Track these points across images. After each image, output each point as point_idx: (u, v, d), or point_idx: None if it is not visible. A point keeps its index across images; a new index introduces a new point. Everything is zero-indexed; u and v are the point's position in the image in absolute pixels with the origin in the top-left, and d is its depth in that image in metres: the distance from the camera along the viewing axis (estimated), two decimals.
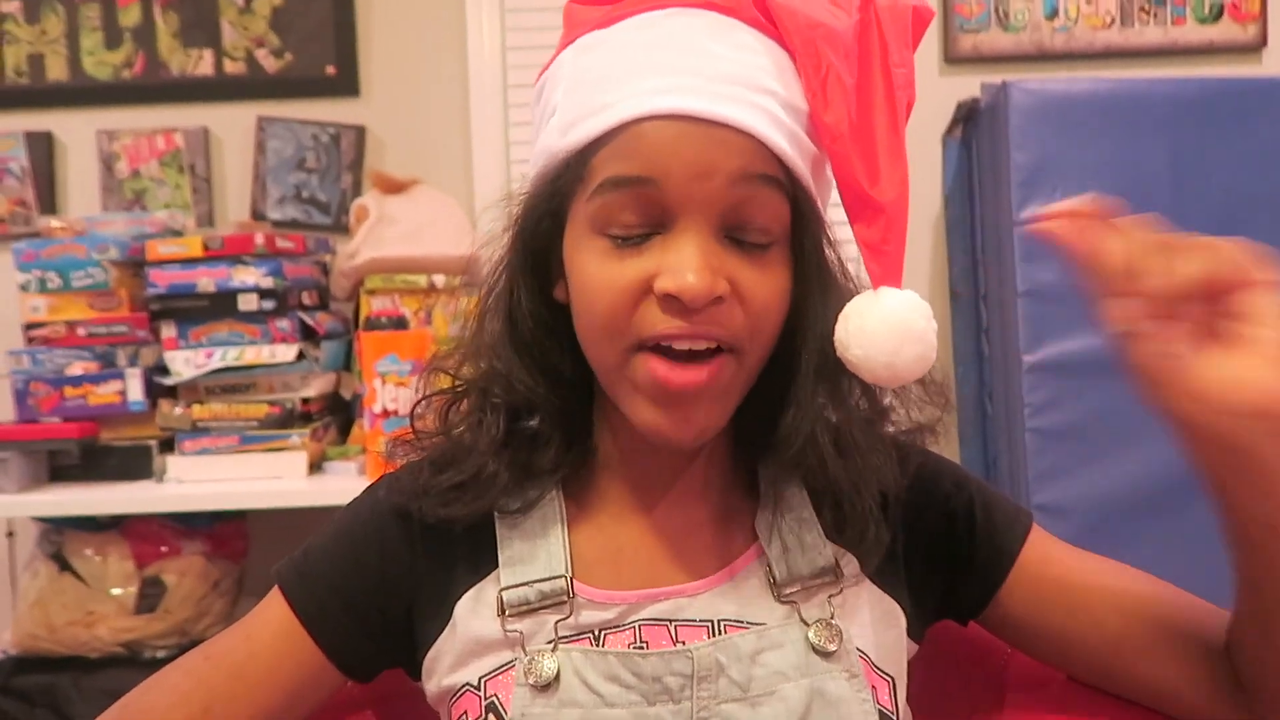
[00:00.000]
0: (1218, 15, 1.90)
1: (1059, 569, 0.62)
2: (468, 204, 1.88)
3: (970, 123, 1.89)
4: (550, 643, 0.56)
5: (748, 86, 0.52)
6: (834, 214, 0.57)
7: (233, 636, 0.61)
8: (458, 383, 0.62)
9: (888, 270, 0.54)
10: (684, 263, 0.51)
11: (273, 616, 0.60)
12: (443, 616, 0.59)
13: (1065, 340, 1.69)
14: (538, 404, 0.59)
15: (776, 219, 0.54)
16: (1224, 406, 0.45)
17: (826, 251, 0.57)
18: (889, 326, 0.52)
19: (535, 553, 0.58)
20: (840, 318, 0.54)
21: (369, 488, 0.64)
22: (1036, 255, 1.72)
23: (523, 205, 0.58)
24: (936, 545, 0.62)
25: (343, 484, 1.55)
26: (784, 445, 0.56)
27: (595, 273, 0.53)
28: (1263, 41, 1.90)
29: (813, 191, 0.55)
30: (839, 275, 0.57)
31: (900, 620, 0.60)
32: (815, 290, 0.56)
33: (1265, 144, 1.75)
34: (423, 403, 0.62)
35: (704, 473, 0.60)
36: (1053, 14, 1.91)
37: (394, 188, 1.80)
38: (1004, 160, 1.74)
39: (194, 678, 0.60)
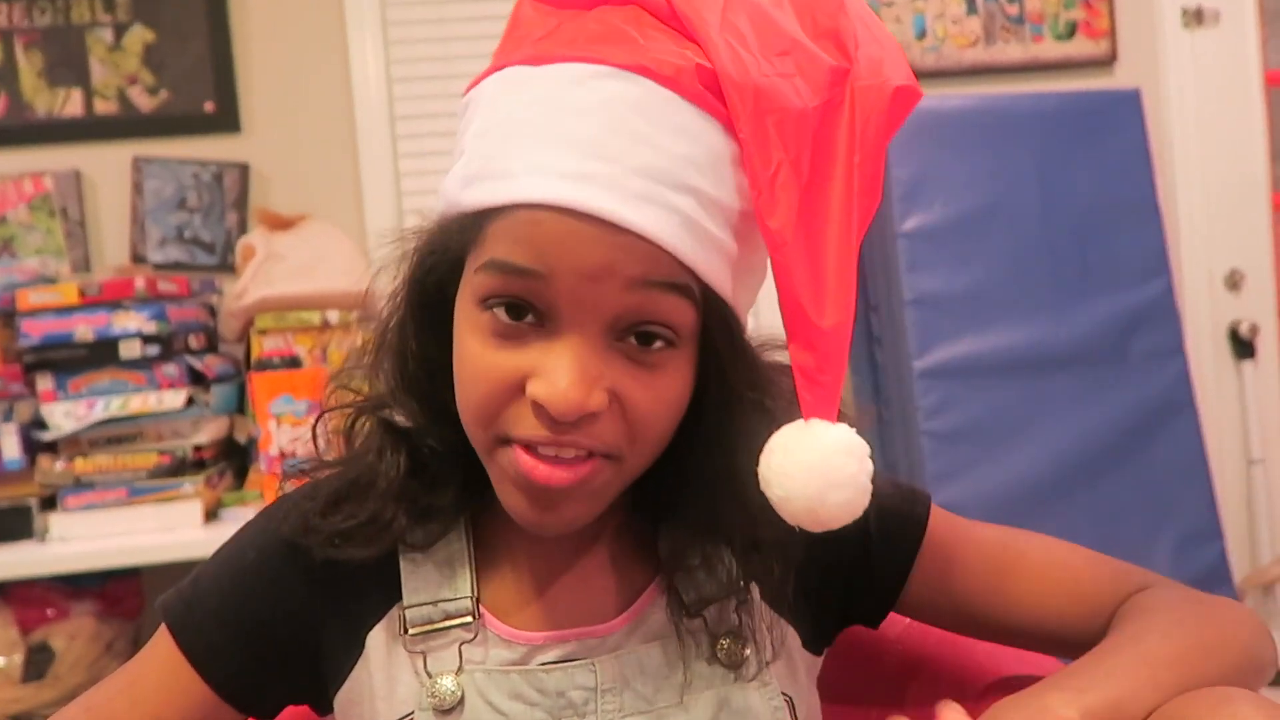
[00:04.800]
0: (1072, 33, 2.02)
1: (957, 559, 0.62)
2: (360, 237, 1.85)
3: None
4: (456, 666, 0.55)
5: (665, 183, 0.47)
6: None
7: (115, 682, 0.58)
8: (356, 401, 0.59)
9: (821, 401, 0.49)
10: (558, 374, 0.47)
11: (158, 655, 0.58)
12: (354, 648, 0.57)
13: (953, 345, 1.77)
14: (434, 443, 0.57)
15: (678, 321, 0.49)
16: None
17: (738, 358, 0.52)
18: (814, 469, 0.48)
19: (440, 577, 0.57)
20: (765, 450, 0.49)
21: (262, 512, 0.61)
22: (921, 265, 1.80)
23: (419, 242, 0.55)
24: (831, 564, 0.60)
25: None
26: (681, 519, 0.56)
27: (472, 357, 0.50)
28: (1113, 56, 2.03)
29: (725, 293, 0.50)
30: (757, 383, 0.53)
31: (795, 642, 0.60)
32: (721, 404, 0.52)
33: (1120, 150, 1.87)
34: (321, 420, 0.60)
35: (601, 518, 0.57)
36: (922, 34, 2.00)
37: (282, 224, 1.76)
38: (885, 175, 1.81)
39: (104, 705, 0.57)
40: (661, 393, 0.50)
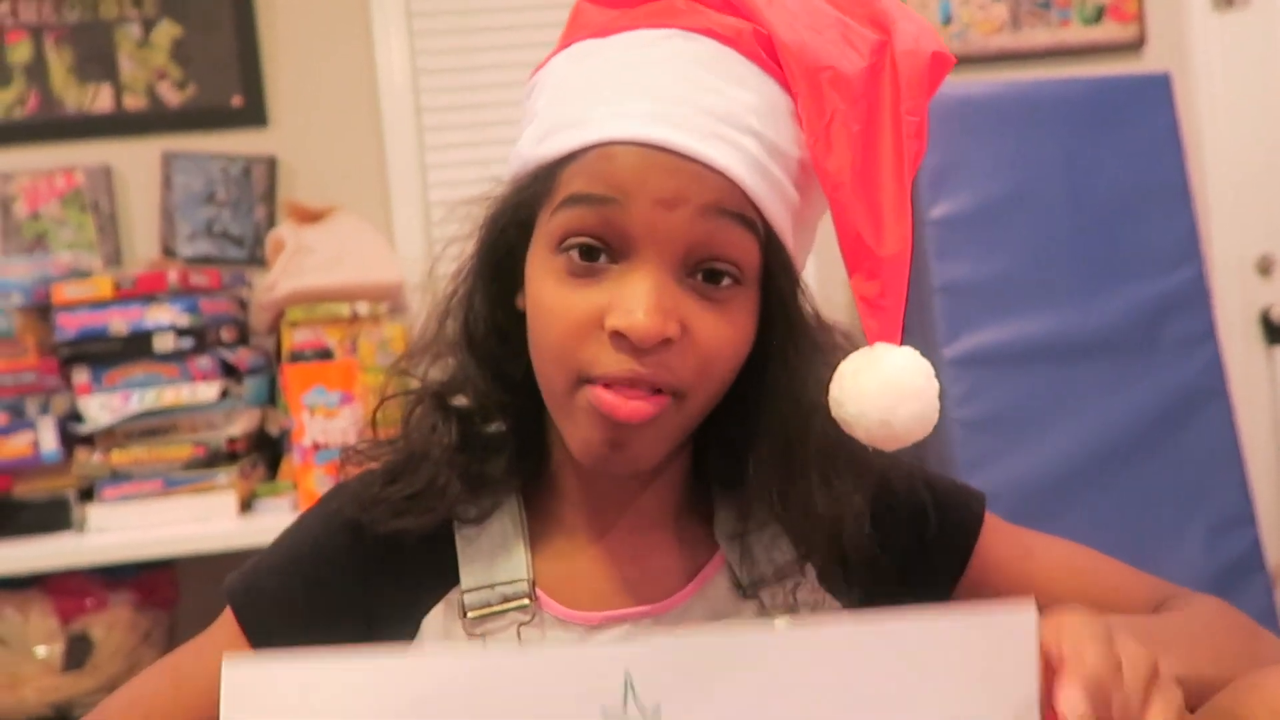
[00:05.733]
0: (1099, 17, 2.00)
1: (1007, 560, 0.64)
2: (386, 229, 1.86)
3: None
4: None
5: (731, 124, 0.51)
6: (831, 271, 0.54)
7: (185, 652, 0.61)
8: (415, 387, 0.61)
9: (885, 326, 0.51)
10: (637, 301, 0.49)
11: (220, 635, 0.60)
12: (407, 633, 0.58)
13: (982, 332, 1.76)
14: (492, 410, 0.58)
15: (744, 259, 0.52)
16: None
17: (801, 303, 0.55)
18: (885, 384, 0.50)
19: (495, 557, 0.58)
20: (835, 375, 0.51)
21: (321, 499, 0.63)
22: (949, 252, 1.79)
23: (490, 210, 0.57)
24: (888, 547, 0.61)
25: (275, 522, 1.48)
26: (746, 489, 0.57)
27: (550, 299, 0.52)
28: (1142, 40, 2.01)
29: (787, 239, 0.54)
30: (815, 328, 0.56)
31: None
32: (786, 340, 0.54)
33: (1150, 135, 1.85)
34: (380, 407, 0.61)
35: (660, 496, 0.60)
36: (948, 20, 1.99)
37: (310, 217, 1.76)
38: None
39: (148, 689, 0.59)
40: (728, 329, 0.52)
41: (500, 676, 0.39)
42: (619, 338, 0.50)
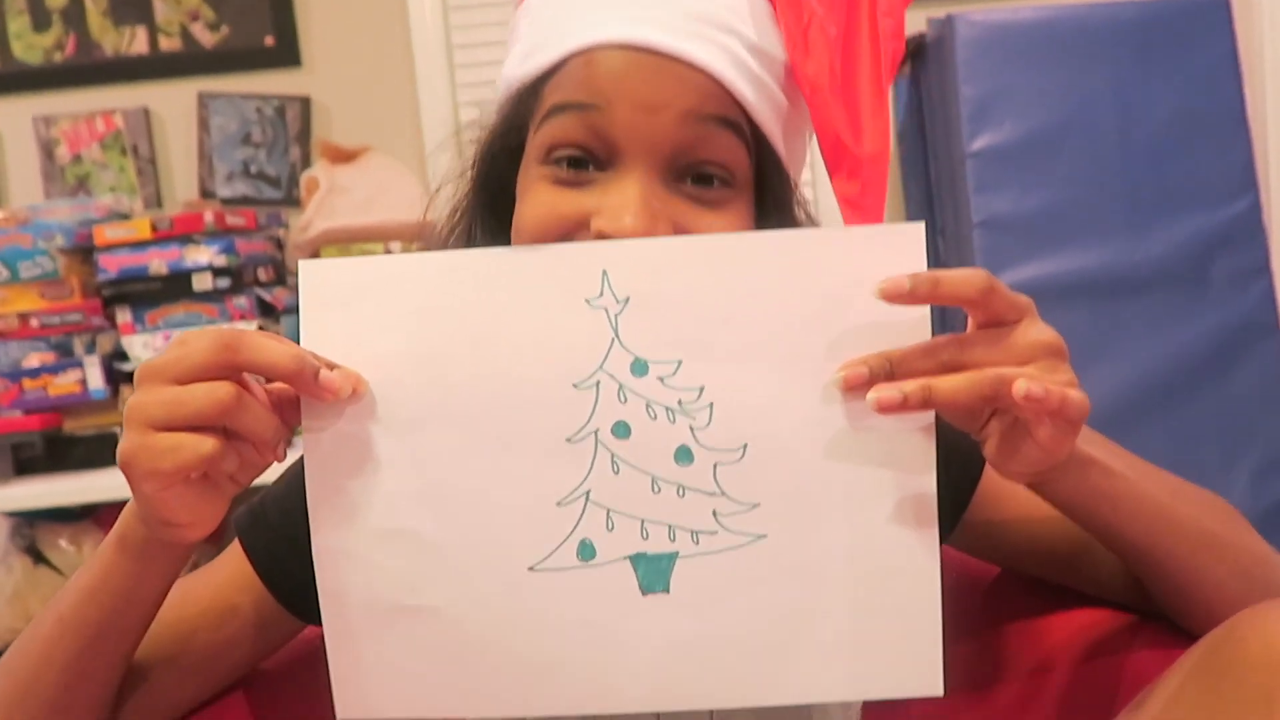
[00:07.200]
0: None
1: (1009, 505, 0.62)
2: (419, 169, 1.86)
3: (918, 59, 1.89)
4: None
5: (713, 25, 0.50)
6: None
7: (194, 577, 0.62)
8: None
9: (867, 223, 0.52)
10: (623, 204, 0.49)
11: (230, 561, 0.61)
12: None
13: (1022, 268, 1.72)
14: None
15: (734, 164, 0.52)
16: None
17: (797, 212, 0.55)
18: None
19: None
20: None
21: None
22: (990, 186, 1.74)
23: (481, 142, 0.57)
24: None
25: None
26: None
27: (534, 204, 0.52)
28: None
29: (777, 141, 0.53)
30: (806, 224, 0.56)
31: None
32: None
33: (1206, 61, 1.77)
34: None
35: None
36: None
37: (344, 157, 1.77)
38: (953, 94, 1.75)
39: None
40: (725, 227, 0.51)
41: (507, 270, 0.47)
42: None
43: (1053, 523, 0.59)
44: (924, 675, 0.47)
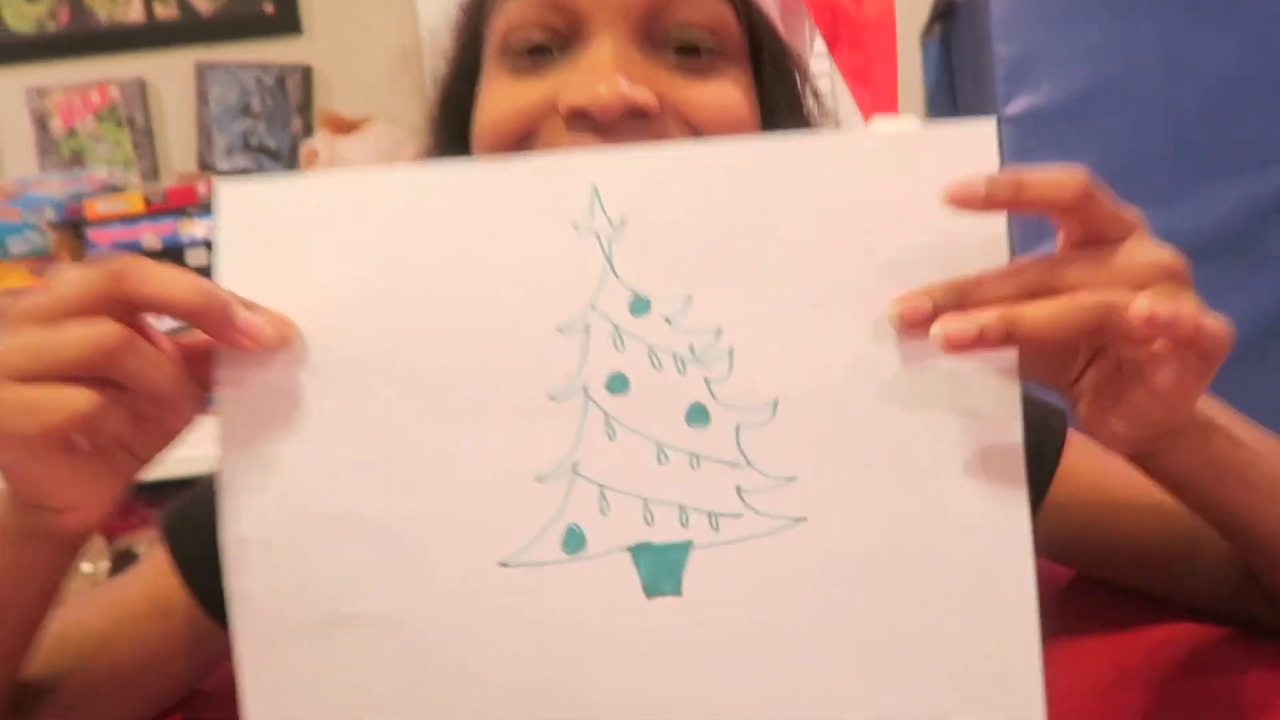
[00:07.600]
0: None
1: (1094, 491, 0.53)
2: (422, 139, 1.78)
3: (948, 20, 1.81)
4: None
5: None
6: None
7: (110, 586, 0.55)
8: None
9: (879, 96, 0.46)
10: (594, 70, 0.42)
11: (151, 565, 0.53)
12: None
13: (1054, 238, 1.64)
14: None
15: (720, 27, 0.45)
16: None
17: (802, 91, 0.48)
18: None
19: None
20: None
21: None
22: (1027, 152, 1.66)
23: (438, 76, 0.52)
24: None
25: None
26: None
27: (494, 96, 0.45)
28: None
29: (770, 12, 0.47)
30: (816, 112, 0.49)
31: None
32: (788, 124, 0.47)
33: (1262, 14, 1.67)
34: None
35: None
36: None
37: (345, 127, 1.71)
38: (986, 53, 1.67)
39: (74, 613, 0.52)
40: (721, 100, 0.45)
41: (474, 188, 0.39)
42: (579, 118, 0.42)
43: (1150, 512, 0.49)
44: (1017, 701, 0.36)
